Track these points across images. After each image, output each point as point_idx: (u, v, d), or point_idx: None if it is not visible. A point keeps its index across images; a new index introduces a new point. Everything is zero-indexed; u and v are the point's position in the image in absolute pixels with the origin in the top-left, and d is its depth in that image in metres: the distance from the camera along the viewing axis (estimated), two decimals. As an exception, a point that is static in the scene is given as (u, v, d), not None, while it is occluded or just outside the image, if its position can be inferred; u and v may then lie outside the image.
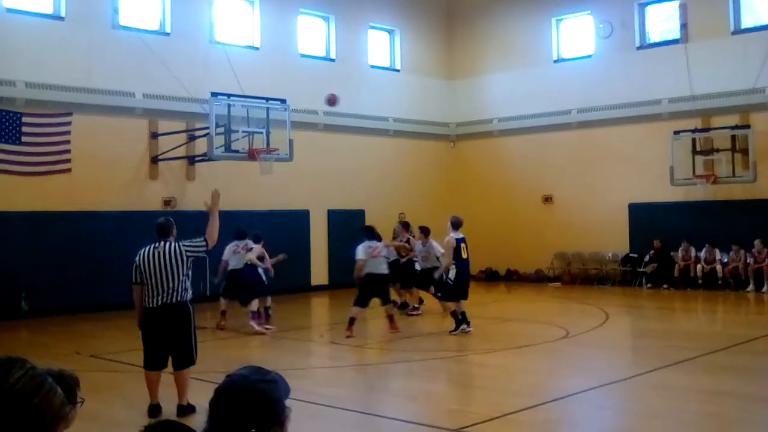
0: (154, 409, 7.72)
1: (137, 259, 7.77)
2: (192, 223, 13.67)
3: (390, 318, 13.13)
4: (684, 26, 19.97)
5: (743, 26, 19.42)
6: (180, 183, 18.23)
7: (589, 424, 7.82)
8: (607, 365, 10.59)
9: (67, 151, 16.29)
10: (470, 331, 12.63)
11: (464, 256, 12.83)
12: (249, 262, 13.49)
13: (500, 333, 13.57)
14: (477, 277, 22.67)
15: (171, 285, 7.63)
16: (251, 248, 13.72)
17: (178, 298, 7.67)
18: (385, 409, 8.16)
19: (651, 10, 21.09)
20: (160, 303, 7.64)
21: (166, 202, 17.84)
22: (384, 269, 13.04)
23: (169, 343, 7.73)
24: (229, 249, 13.90)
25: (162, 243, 7.78)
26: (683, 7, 19.99)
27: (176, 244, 7.77)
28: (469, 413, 7.74)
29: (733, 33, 19.37)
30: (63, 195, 16.16)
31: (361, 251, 12.84)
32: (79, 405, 3.09)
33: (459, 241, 12.80)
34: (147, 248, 7.79)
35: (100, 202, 16.69)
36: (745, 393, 8.37)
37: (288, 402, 2.12)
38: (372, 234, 13.23)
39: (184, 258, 7.69)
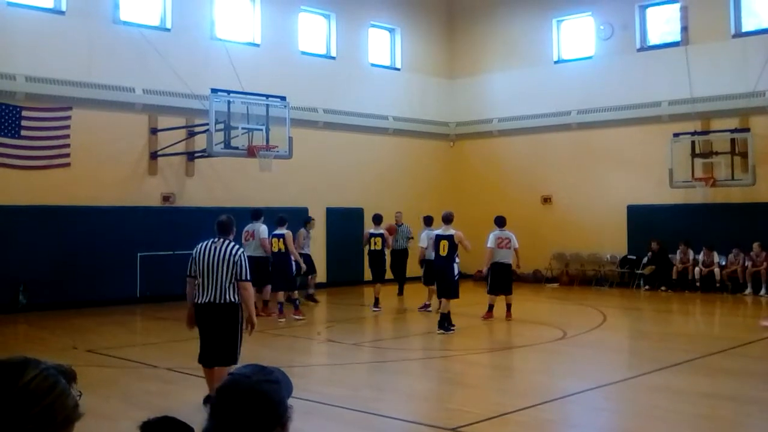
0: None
1: (194, 252, 7.67)
2: (191, 218, 13.77)
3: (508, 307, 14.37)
4: (684, 29, 19.97)
5: (744, 29, 19.42)
6: (179, 179, 18.22)
7: (586, 424, 7.82)
8: (605, 366, 10.60)
9: (67, 146, 16.28)
10: (439, 333, 12.68)
11: (442, 253, 12.96)
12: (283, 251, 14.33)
13: (497, 333, 13.57)
14: (475, 277, 22.70)
15: (219, 283, 7.49)
16: (263, 237, 14.42)
17: (226, 299, 7.53)
18: (383, 407, 8.15)
19: (652, 12, 21.09)
20: (206, 300, 7.53)
21: (165, 198, 17.83)
22: (508, 258, 14.52)
23: (214, 341, 7.63)
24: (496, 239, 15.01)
25: (221, 240, 7.65)
26: (684, 10, 19.99)
27: (236, 246, 7.67)
28: (466, 413, 7.74)
29: (734, 36, 19.37)
30: (62, 189, 16.14)
31: (492, 240, 14.39)
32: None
33: (438, 237, 13.08)
34: (206, 243, 7.67)
35: (99, 196, 16.67)
36: (742, 396, 8.38)
37: (288, 401, 2.09)
38: (503, 223, 14.47)
39: (237, 261, 7.54)
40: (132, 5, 17.76)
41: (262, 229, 14.56)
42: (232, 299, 7.56)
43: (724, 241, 18.54)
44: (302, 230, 16.55)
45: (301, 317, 14.57)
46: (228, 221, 7.80)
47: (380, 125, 22.23)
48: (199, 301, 7.57)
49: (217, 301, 7.51)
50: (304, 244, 16.40)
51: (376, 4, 22.56)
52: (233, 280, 7.53)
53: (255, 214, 14.93)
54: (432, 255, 15.01)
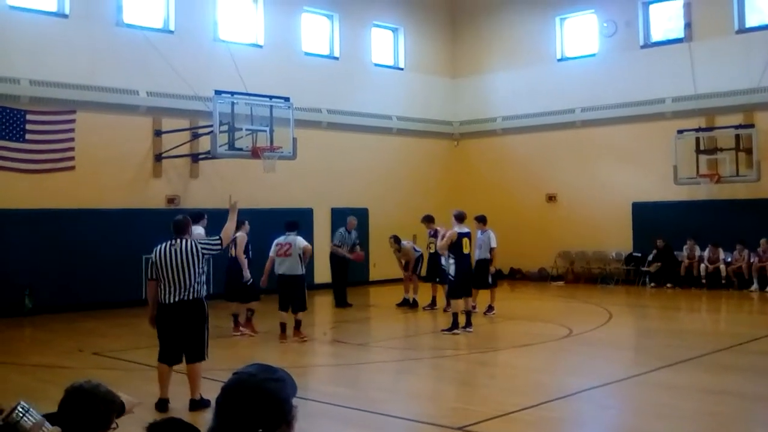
0: (162, 404, 7.82)
1: (153, 255, 7.85)
2: (195, 220, 13.87)
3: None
4: (688, 25, 19.94)
5: (747, 25, 19.37)
6: (184, 181, 18.24)
7: (592, 422, 7.82)
8: (610, 364, 10.58)
9: (71, 149, 16.31)
10: (463, 333, 12.54)
11: (465, 251, 12.78)
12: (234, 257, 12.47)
13: (503, 331, 13.57)
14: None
15: (187, 282, 7.72)
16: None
17: (194, 295, 7.78)
18: (388, 407, 8.16)
19: (655, 9, 21.05)
20: (176, 299, 7.74)
21: (170, 200, 17.86)
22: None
23: (182, 339, 7.86)
24: (275, 247, 12.44)
25: (178, 240, 7.85)
26: (687, 6, 19.96)
27: (192, 242, 7.89)
28: (471, 411, 7.75)
29: (738, 32, 19.33)
30: (67, 192, 16.17)
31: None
32: (112, 431, 3.07)
33: (461, 235, 12.75)
34: (163, 245, 7.87)
35: (104, 199, 16.71)
36: (748, 392, 8.37)
37: (294, 401, 2.10)
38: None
39: (200, 256, 7.79)
40: (135, 8, 17.78)
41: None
42: (200, 295, 7.82)
43: (730, 237, 18.50)
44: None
45: (241, 333, 12.64)
46: (185, 221, 8.05)
47: (384, 125, 22.22)
48: (168, 302, 7.76)
49: (188, 298, 7.73)
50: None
51: (379, 4, 22.55)
52: (201, 275, 7.78)
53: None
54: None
